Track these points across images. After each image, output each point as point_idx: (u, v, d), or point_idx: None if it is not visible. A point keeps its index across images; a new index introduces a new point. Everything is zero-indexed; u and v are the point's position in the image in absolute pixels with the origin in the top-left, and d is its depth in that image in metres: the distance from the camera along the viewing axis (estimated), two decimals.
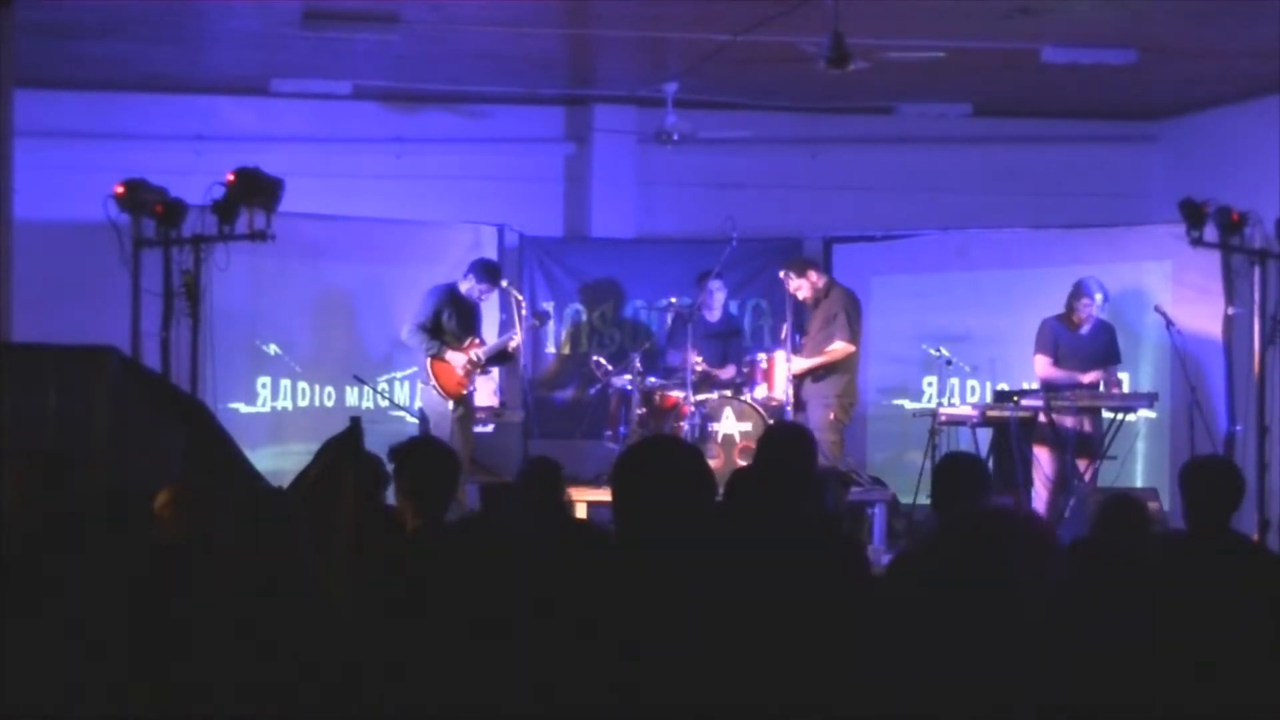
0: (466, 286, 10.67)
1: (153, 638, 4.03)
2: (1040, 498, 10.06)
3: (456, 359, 10.49)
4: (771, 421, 10.11)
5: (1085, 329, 10.34)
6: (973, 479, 5.61)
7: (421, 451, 5.19)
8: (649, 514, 3.54)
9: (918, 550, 6.09)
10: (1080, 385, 10.16)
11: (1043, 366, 10.32)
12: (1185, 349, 10.37)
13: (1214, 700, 4.51)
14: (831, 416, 10.51)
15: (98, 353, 6.63)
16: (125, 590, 4.30)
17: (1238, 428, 10.11)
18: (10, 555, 4.54)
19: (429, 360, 10.50)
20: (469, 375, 10.56)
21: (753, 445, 9.24)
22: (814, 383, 10.61)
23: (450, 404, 10.46)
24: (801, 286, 10.77)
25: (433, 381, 10.47)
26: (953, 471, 5.66)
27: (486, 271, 10.76)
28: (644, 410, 10.73)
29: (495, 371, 11.40)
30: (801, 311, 10.89)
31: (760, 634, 3.48)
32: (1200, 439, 9.93)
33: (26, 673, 4.08)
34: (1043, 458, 10.09)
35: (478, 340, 10.65)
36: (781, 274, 10.89)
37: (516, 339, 10.77)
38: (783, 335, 10.93)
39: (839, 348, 10.60)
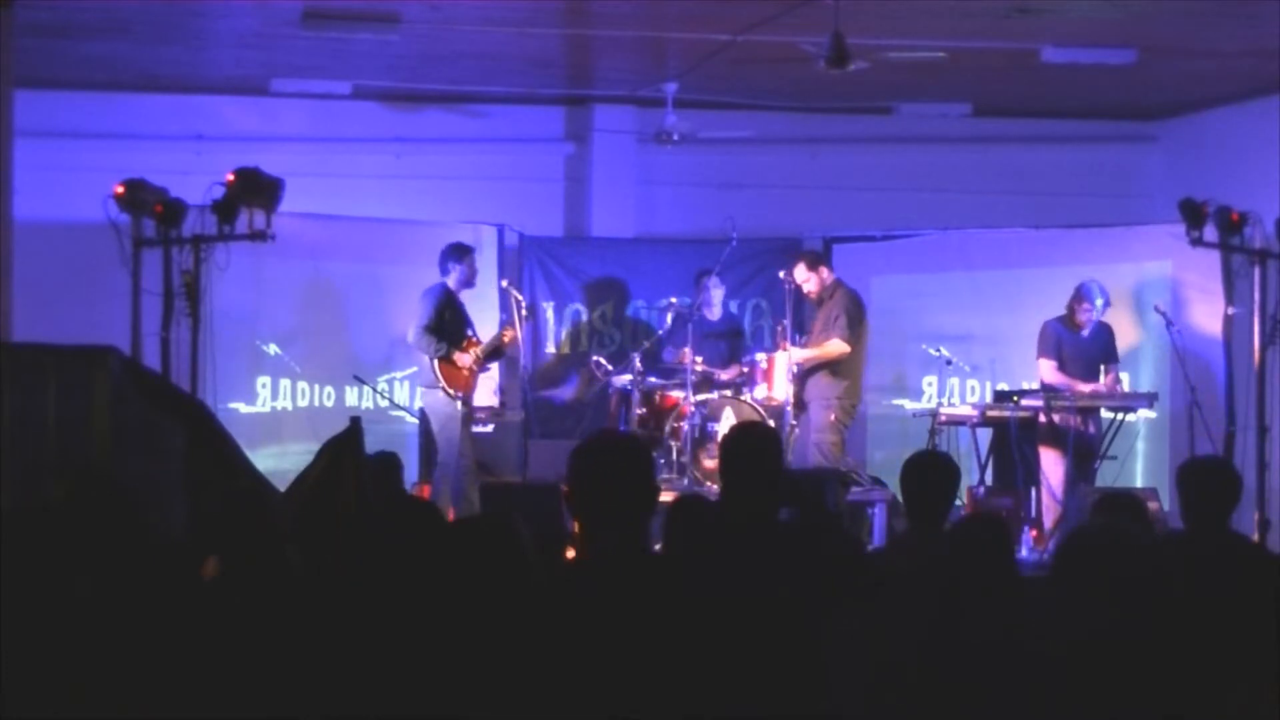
0: (453, 281, 10.61)
1: (149, 638, 4.03)
2: (1040, 498, 10.05)
3: (463, 359, 10.48)
4: (758, 421, 10.09)
5: (1086, 331, 10.33)
6: (945, 480, 5.54)
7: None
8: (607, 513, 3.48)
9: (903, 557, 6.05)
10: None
11: (1048, 372, 10.27)
12: (1185, 349, 10.37)
13: (1213, 701, 4.50)
14: (832, 417, 10.51)
15: (98, 353, 6.64)
16: (124, 590, 4.30)
17: (1238, 427, 10.11)
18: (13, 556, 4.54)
19: (436, 362, 10.44)
20: (474, 375, 10.55)
21: None
22: (817, 383, 10.61)
23: (458, 405, 10.44)
24: (810, 279, 10.73)
25: (442, 383, 10.42)
26: (922, 470, 5.58)
27: (455, 251, 10.64)
28: (644, 410, 10.72)
29: (495, 370, 11.38)
30: (801, 310, 10.88)
31: (747, 636, 3.45)
32: (1200, 439, 9.93)
33: (27, 673, 4.08)
34: (1043, 458, 10.08)
35: (475, 339, 10.63)
36: (799, 266, 10.77)
37: (509, 334, 10.72)
38: (779, 331, 10.91)
39: (834, 346, 10.58)
